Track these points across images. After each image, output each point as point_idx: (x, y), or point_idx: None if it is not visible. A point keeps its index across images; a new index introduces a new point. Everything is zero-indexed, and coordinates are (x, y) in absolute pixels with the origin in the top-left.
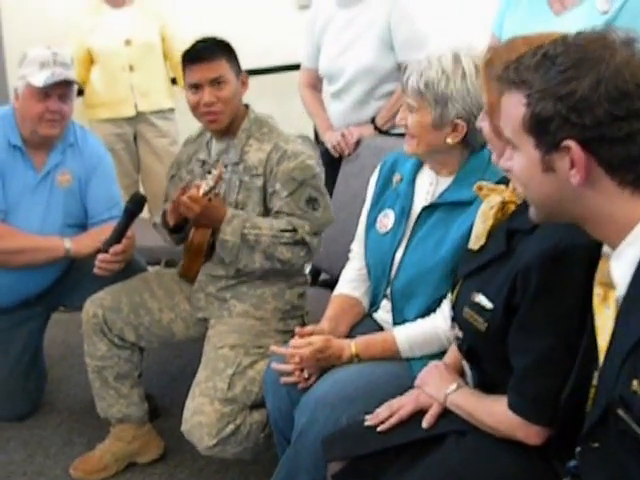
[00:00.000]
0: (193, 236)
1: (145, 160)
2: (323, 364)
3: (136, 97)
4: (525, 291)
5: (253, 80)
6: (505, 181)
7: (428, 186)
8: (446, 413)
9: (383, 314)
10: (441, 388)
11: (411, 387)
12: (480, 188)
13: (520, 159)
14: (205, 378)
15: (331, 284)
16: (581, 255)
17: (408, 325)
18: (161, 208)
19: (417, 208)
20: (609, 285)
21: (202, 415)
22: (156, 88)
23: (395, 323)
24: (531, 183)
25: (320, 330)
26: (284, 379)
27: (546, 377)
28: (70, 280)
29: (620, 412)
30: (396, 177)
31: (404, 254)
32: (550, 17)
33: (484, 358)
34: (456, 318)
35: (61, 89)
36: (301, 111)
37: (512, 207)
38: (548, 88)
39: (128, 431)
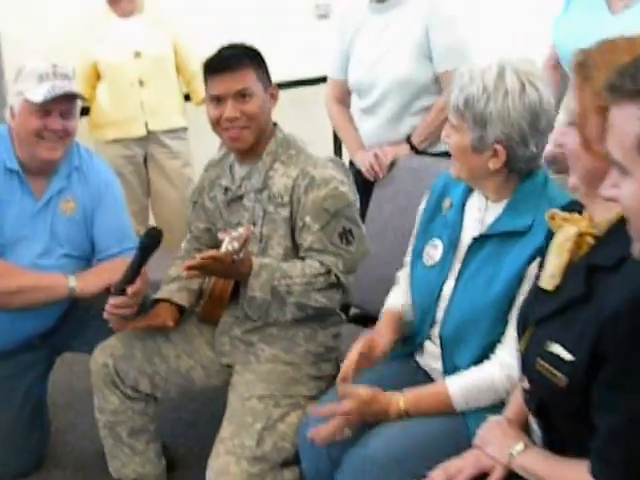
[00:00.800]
0: (215, 280)
1: (156, 184)
2: (368, 419)
3: (147, 115)
4: (615, 342)
5: None
6: (577, 209)
7: (476, 212)
8: (512, 477)
9: (428, 359)
10: (505, 448)
11: (469, 446)
12: (552, 217)
13: (631, 186)
14: (231, 434)
15: (362, 319)
16: None
17: (461, 375)
18: (184, 240)
19: (467, 239)
20: None
21: (228, 476)
22: (168, 105)
23: (446, 371)
24: None
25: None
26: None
27: (638, 441)
28: (76, 319)
29: None
30: (446, 202)
31: (453, 292)
32: (607, 16)
33: (557, 414)
34: (526, 370)
35: (63, 104)
36: (320, 127)
37: (590, 240)
38: None
39: None
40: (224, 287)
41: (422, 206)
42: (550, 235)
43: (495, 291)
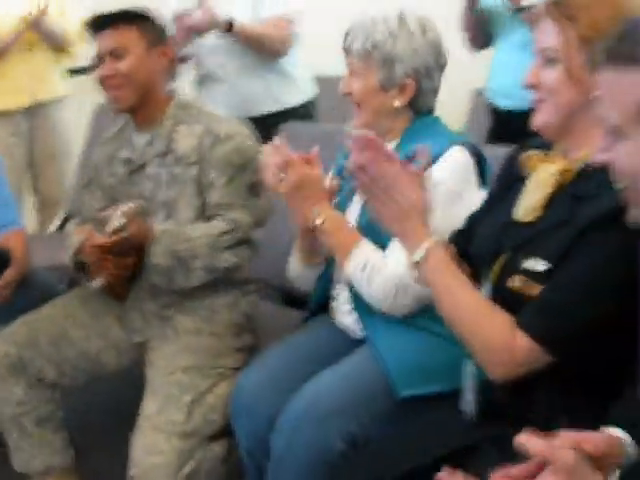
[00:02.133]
0: None
1: (39, 157)
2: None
3: (33, 84)
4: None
5: None
6: (543, 148)
7: None
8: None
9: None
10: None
11: (392, 397)
12: (528, 159)
13: (630, 148)
14: (157, 410)
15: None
16: None
17: (374, 249)
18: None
19: None
20: None
21: (158, 455)
22: (54, 74)
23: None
24: None
25: None
26: None
27: (574, 315)
28: None
29: None
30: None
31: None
32: None
33: None
34: (497, 295)
35: None
36: None
37: (569, 176)
38: None
39: None
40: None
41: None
42: None
43: None
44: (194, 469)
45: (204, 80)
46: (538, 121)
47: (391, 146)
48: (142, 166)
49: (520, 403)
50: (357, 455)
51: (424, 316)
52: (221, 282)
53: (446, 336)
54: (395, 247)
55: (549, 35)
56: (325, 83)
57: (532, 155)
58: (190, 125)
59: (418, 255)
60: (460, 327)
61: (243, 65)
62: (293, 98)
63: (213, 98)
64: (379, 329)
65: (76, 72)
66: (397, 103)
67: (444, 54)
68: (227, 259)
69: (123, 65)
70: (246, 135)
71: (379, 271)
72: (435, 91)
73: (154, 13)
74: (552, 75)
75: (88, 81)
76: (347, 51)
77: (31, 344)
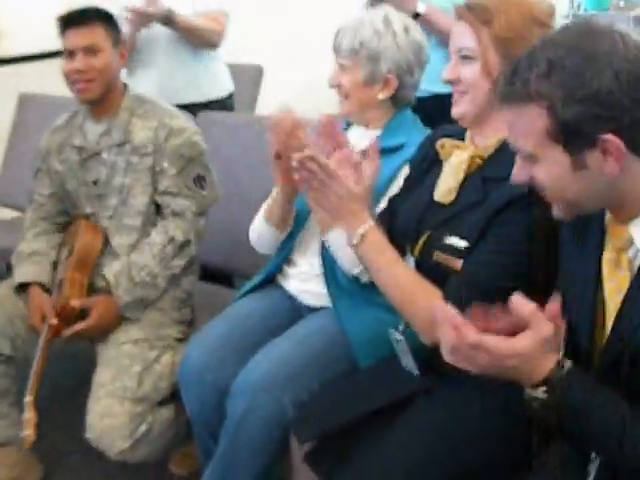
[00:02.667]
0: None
1: None
2: None
3: None
4: (507, 221)
5: None
6: (458, 137)
7: (358, 139)
8: (410, 375)
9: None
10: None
11: (350, 358)
12: (442, 146)
13: (545, 168)
14: (111, 378)
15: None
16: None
17: None
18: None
19: None
20: (622, 249)
21: (113, 418)
22: None
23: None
24: (564, 185)
25: None
26: None
27: (491, 287)
28: None
29: None
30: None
31: None
32: None
33: None
34: (422, 265)
35: None
36: None
37: (479, 161)
38: (570, 94)
39: (12, 455)
40: (82, 273)
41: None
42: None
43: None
44: (145, 431)
45: (135, 66)
46: (457, 112)
47: (375, 134)
48: (97, 153)
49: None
50: (307, 411)
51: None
52: None
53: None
54: None
55: (464, 36)
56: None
57: (446, 143)
58: (146, 119)
59: (355, 239)
60: (396, 301)
61: (174, 55)
62: (216, 91)
63: (142, 84)
64: (343, 303)
65: None
66: (381, 96)
67: (425, 52)
68: (179, 264)
69: (97, 61)
70: (195, 131)
71: None
72: (415, 86)
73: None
74: (470, 71)
75: None
76: (337, 48)
77: None
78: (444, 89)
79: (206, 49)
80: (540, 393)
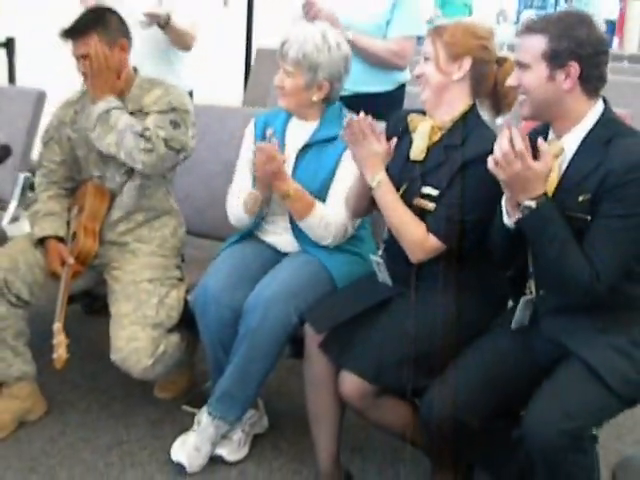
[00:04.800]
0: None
1: None
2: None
3: None
4: (469, 175)
5: None
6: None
7: (297, 130)
8: (386, 286)
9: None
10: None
11: (331, 283)
12: (411, 120)
13: (532, 75)
14: (133, 309)
15: None
16: None
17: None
18: (38, 175)
19: (291, 152)
20: (557, 155)
21: (137, 341)
22: None
23: (297, 237)
24: (537, 89)
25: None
26: None
27: (461, 220)
28: None
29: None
30: (268, 131)
31: None
32: None
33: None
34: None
35: None
36: None
37: (438, 131)
38: (563, 34)
39: (25, 389)
40: (94, 222)
41: (249, 135)
42: None
43: (321, 178)
44: (162, 352)
45: None
46: (422, 98)
47: (314, 125)
48: None
49: (418, 273)
50: (318, 311)
51: (347, 242)
52: (164, 214)
53: (359, 254)
54: (334, 203)
55: (426, 45)
56: None
57: (414, 117)
58: (154, 89)
59: (374, 183)
60: (396, 229)
61: (151, 52)
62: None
63: None
64: (315, 248)
65: None
66: (315, 98)
67: (350, 62)
68: (130, 140)
69: (92, 64)
70: (189, 100)
71: (329, 221)
72: (340, 89)
73: (110, 14)
74: (427, 68)
75: None
76: (283, 56)
77: (12, 269)
78: (362, 89)
79: (179, 50)
80: (533, 203)
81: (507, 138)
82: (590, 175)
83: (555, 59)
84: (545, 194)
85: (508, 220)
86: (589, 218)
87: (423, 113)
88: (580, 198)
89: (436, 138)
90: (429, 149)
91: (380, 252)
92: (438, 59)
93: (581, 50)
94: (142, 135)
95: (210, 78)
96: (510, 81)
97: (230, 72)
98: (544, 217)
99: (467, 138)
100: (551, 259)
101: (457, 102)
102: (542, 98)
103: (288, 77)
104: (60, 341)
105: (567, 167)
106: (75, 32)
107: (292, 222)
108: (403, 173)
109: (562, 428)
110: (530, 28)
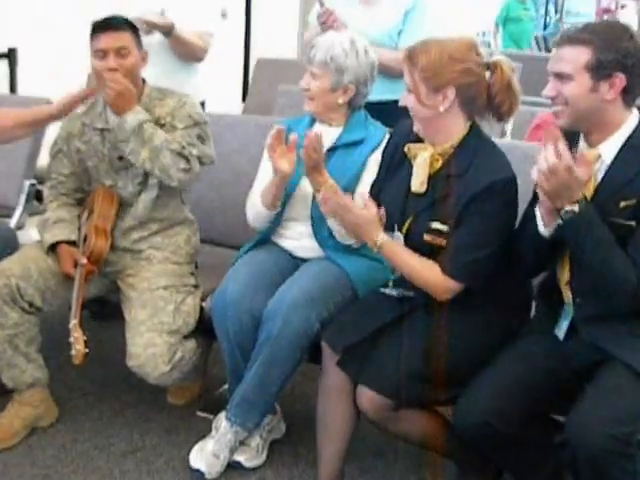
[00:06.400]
0: (96, 217)
1: None
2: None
3: None
4: (478, 210)
5: None
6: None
7: (323, 136)
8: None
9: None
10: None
11: (352, 289)
12: (409, 150)
13: (573, 86)
14: (149, 316)
15: None
16: (513, 186)
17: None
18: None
19: None
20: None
21: (154, 347)
22: None
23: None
24: (579, 100)
25: None
26: None
27: (477, 259)
28: None
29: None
30: (292, 136)
31: None
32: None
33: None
34: (413, 243)
35: None
36: None
37: (439, 160)
38: (610, 45)
39: (37, 395)
40: (104, 222)
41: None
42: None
43: (346, 181)
44: (179, 358)
45: None
46: (414, 129)
47: (339, 130)
48: None
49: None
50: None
51: (364, 248)
52: (178, 222)
53: (378, 259)
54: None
55: (406, 75)
56: None
57: (411, 147)
58: (165, 99)
59: (375, 248)
60: (411, 278)
61: (161, 64)
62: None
63: None
64: (336, 253)
65: None
66: (340, 101)
67: (376, 70)
68: (166, 158)
69: (126, 62)
70: (200, 107)
71: None
72: (366, 95)
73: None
74: (411, 100)
75: None
76: (310, 59)
77: (25, 276)
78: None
79: (190, 62)
80: (576, 207)
81: (553, 150)
82: (633, 181)
83: (600, 70)
84: (585, 198)
85: (544, 229)
86: (634, 224)
87: None
88: (622, 204)
89: (438, 166)
90: (431, 178)
91: (391, 283)
92: (419, 94)
93: (627, 61)
94: (180, 154)
95: (209, 89)
96: (547, 92)
97: (228, 83)
98: (588, 220)
99: (471, 166)
100: (596, 262)
101: (453, 128)
102: (583, 108)
103: (314, 79)
104: (77, 337)
105: (604, 175)
106: (112, 25)
107: (314, 226)
108: (407, 205)
109: (611, 433)
110: (572, 39)
